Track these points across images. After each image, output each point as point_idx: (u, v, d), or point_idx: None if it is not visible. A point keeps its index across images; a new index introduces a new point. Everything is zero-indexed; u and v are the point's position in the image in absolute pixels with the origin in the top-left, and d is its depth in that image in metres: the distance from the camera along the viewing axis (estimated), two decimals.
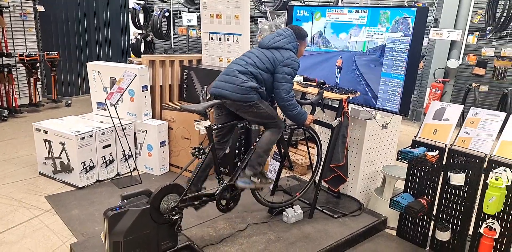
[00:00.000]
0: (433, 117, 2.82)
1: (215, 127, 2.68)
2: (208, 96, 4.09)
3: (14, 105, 5.99)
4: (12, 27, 6.20)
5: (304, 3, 6.35)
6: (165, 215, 2.32)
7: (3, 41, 5.85)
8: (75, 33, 7.37)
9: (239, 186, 2.71)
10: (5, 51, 5.85)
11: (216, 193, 2.67)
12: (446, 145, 2.68)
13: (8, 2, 5.95)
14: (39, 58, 6.16)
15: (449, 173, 2.61)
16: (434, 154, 2.66)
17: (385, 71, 3.00)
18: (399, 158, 2.75)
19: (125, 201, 2.32)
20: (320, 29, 3.41)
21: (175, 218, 2.33)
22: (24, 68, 6.22)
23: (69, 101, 6.71)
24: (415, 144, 2.82)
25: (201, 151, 2.52)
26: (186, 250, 2.58)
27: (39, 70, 6.42)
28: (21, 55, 5.97)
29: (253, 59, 2.70)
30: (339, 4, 5.94)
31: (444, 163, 2.70)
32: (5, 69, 5.86)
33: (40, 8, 6.46)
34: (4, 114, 5.74)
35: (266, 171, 3.43)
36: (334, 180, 3.23)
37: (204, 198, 2.63)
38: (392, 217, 3.16)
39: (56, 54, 6.38)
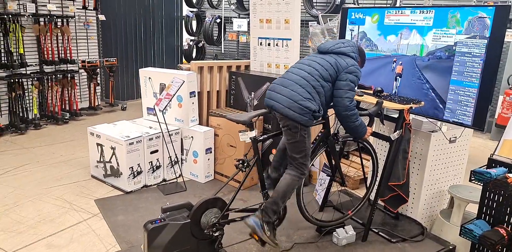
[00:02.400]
0: None
1: (261, 138, 2.41)
2: (255, 103, 3.86)
3: (75, 108, 6.14)
4: (76, 35, 6.39)
5: (358, 5, 5.94)
6: (205, 231, 2.11)
7: (68, 48, 6.02)
8: (133, 40, 7.48)
9: (246, 222, 2.33)
10: (69, 58, 6.02)
11: (260, 208, 2.40)
12: None
13: (74, 13, 6.13)
14: (99, 64, 6.29)
15: None
16: None
17: (455, 79, 2.56)
18: (473, 179, 2.30)
19: (166, 213, 2.14)
20: (378, 32, 3.06)
21: (215, 234, 2.11)
22: (85, 73, 6.38)
23: (125, 105, 6.79)
24: (492, 163, 2.35)
25: (245, 164, 2.27)
26: None
27: (98, 75, 6.57)
28: (83, 61, 6.13)
29: (315, 66, 2.39)
30: (397, 5, 5.43)
31: None
32: (69, 75, 6.02)
33: (102, 17, 6.61)
34: (66, 117, 5.89)
35: (315, 184, 3.09)
36: (393, 200, 2.80)
37: (247, 214, 2.38)
38: (462, 245, 2.66)
39: (114, 61, 6.48)
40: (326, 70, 2.37)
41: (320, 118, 2.59)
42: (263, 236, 2.32)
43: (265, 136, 2.49)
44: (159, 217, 2.11)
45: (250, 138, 2.31)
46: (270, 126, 3.70)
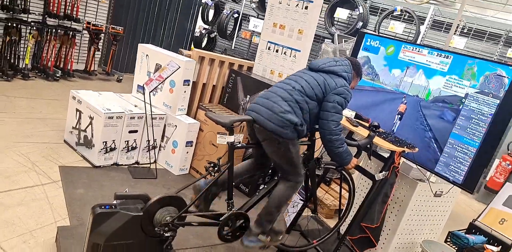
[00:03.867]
0: (503, 203, 2.23)
1: (239, 145, 2.27)
2: (248, 107, 3.73)
3: (69, 68, 5.92)
4: None
5: (379, 34, 5.86)
6: (156, 228, 1.98)
7: (76, 6, 5.79)
8: (145, 14, 7.24)
9: (245, 245, 2.26)
10: (75, 15, 5.79)
11: (221, 219, 2.25)
12: None
13: None
14: (104, 30, 6.08)
15: None
16: (495, 249, 2.08)
17: (456, 132, 2.40)
18: (448, 240, 2.20)
19: (119, 200, 2.00)
20: (383, 62, 2.95)
21: (166, 234, 1.98)
22: (88, 36, 6.15)
23: (121, 77, 6.59)
24: (473, 228, 2.24)
25: (216, 168, 2.14)
26: None
27: (101, 41, 6.34)
28: (88, 23, 5.92)
29: (300, 83, 2.26)
30: (419, 42, 5.37)
31: None
32: (70, 33, 5.80)
33: None
34: (57, 75, 5.69)
35: (289, 203, 2.97)
36: (361, 242, 2.64)
37: (206, 220, 2.25)
38: None
39: (120, 30, 6.28)
40: (311, 88, 2.23)
41: (306, 139, 2.47)
42: (266, 244, 2.28)
43: (243, 144, 2.36)
44: (111, 203, 1.97)
45: (228, 143, 2.17)
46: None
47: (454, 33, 5.28)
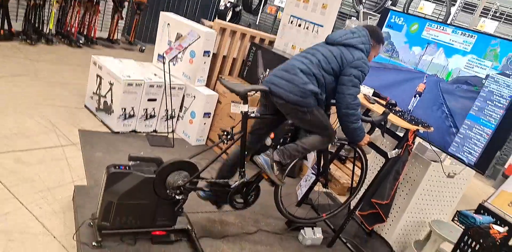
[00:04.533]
0: None
1: (253, 115, 2.27)
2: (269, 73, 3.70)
3: (92, 35, 5.96)
4: None
5: (407, 12, 5.65)
6: (168, 191, 2.03)
7: None
8: None
9: (256, 159, 2.26)
10: None
11: (232, 186, 2.30)
12: None
13: None
14: None
15: None
16: (501, 229, 2.04)
17: (473, 114, 2.38)
18: (456, 219, 2.20)
19: (133, 162, 2.05)
20: (404, 39, 2.86)
21: (178, 197, 2.03)
22: (112, 3, 6.13)
23: (143, 47, 6.60)
24: (482, 209, 2.21)
25: (229, 136, 2.16)
26: (181, 234, 2.26)
27: (125, 9, 6.33)
28: None
29: (317, 57, 2.22)
30: (448, 22, 5.12)
31: (510, 244, 2.07)
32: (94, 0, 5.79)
33: None
34: (81, 41, 5.73)
35: (302, 177, 2.99)
36: (370, 217, 2.67)
37: (217, 187, 2.29)
38: None
39: None
40: (328, 62, 2.20)
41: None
42: (271, 175, 2.26)
43: (258, 114, 2.35)
44: (126, 164, 2.02)
45: (241, 112, 2.18)
46: None
47: (485, 16, 5.06)
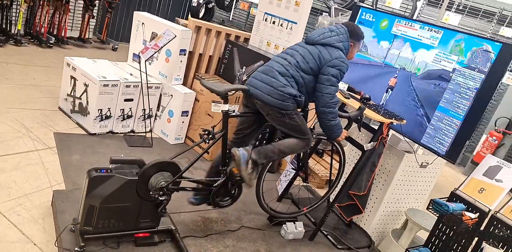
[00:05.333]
0: (483, 173, 2.28)
1: (233, 113, 2.27)
2: (244, 78, 3.70)
3: (63, 35, 5.77)
4: None
5: (376, 8, 5.75)
6: (151, 192, 2.01)
7: None
8: None
9: (235, 151, 2.20)
10: None
11: (214, 185, 2.29)
12: (490, 210, 2.17)
13: None
14: None
15: (483, 243, 2.11)
16: (473, 215, 2.15)
17: (442, 106, 2.45)
18: (430, 207, 2.28)
19: (114, 165, 2.01)
20: (372, 34, 2.91)
21: (161, 199, 2.01)
22: (82, 2, 5.96)
23: (116, 46, 6.45)
24: (454, 197, 2.31)
25: (210, 135, 2.15)
26: (165, 235, 2.24)
27: (96, 8, 6.16)
28: None
29: (296, 57, 2.25)
30: (415, 18, 5.27)
31: (482, 229, 2.18)
32: None
33: None
34: (51, 42, 5.55)
35: (281, 172, 2.99)
36: (348, 208, 2.73)
37: (199, 186, 2.28)
38: None
39: None
40: (306, 62, 2.22)
41: (299, 110, 2.48)
42: (244, 172, 2.20)
43: (238, 113, 2.34)
44: (107, 167, 1.98)
45: (222, 111, 2.17)
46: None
47: (449, 10, 5.21)
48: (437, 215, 2.29)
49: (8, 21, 5.19)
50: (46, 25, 5.57)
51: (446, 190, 2.47)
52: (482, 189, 2.23)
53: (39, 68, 4.69)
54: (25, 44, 5.36)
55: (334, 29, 2.31)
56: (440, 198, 2.31)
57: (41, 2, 5.44)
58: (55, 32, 5.73)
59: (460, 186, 2.33)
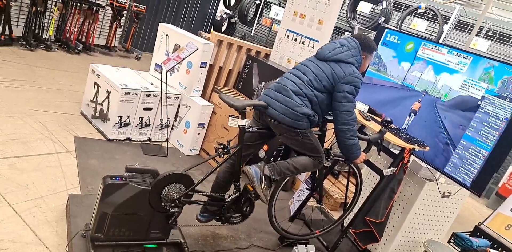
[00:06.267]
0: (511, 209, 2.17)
1: (250, 129, 2.26)
2: (262, 92, 3.71)
3: (90, 42, 5.94)
4: None
5: (400, 30, 5.72)
6: (163, 203, 2.01)
7: None
8: None
9: (247, 169, 2.20)
10: None
11: (226, 200, 2.27)
12: None
13: None
14: (127, 7, 6.08)
15: None
16: None
17: (469, 134, 2.33)
18: (452, 241, 2.16)
19: (129, 173, 2.03)
20: (393, 53, 2.88)
21: (172, 210, 2.01)
22: (111, 12, 6.15)
23: (140, 55, 6.60)
24: (478, 231, 2.18)
25: (225, 150, 2.15)
26: (174, 247, 2.23)
27: (123, 18, 6.35)
28: None
29: (308, 76, 2.22)
30: (441, 41, 5.13)
31: None
32: (94, 8, 5.81)
33: None
34: (79, 48, 5.72)
35: (295, 191, 2.93)
36: (364, 235, 2.59)
37: (211, 201, 2.26)
38: None
39: (143, 9, 6.25)
40: (319, 81, 2.19)
41: (317, 129, 2.46)
42: (258, 188, 2.18)
43: (255, 128, 2.32)
44: (122, 175, 2.00)
45: (239, 126, 2.18)
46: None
47: (478, 35, 5.13)
48: (459, 250, 2.17)
49: (41, 27, 5.38)
50: (75, 32, 5.75)
51: (467, 222, 2.34)
52: (509, 226, 2.10)
53: (66, 73, 4.82)
54: (55, 49, 5.54)
55: (345, 44, 2.26)
56: (463, 232, 2.19)
57: (73, 10, 5.64)
58: (83, 39, 5.90)
59: (485, 220, 2.21)
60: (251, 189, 2.24)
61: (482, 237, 2.16)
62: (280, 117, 2.16)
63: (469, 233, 2.21)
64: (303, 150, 2.29)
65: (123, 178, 1.97)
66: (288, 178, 2.50)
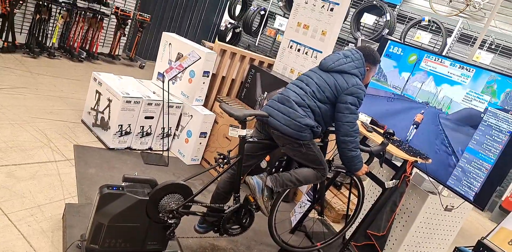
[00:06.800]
0: None
1: (250, 139, 2.24)
2: (265, 103, 3.69)
3: (94, 50, 5.97)
4: None
5: (404, 42, 5.73)
6: (160, 214, 1.97)
7: None
8: (172, 4, 7.27)
9: (249, 180, 2.20)
10: (104, 0, 5.83)
11: (226, 211, 2.24)
12: None
13: None
14: (131, 16, 6.13)
15: None
16: None
17: (471, 147, 2.31)
18: None
19: (127, 183, 1.99)
20: (393, 63, 2.87)
21: (170, 221, 1.97)
22: (115, 20, 6.21)
23: (143, 64, 6.62)
24: (481, 246, 2.13)
25: (225, 160, 2.12)
26: None
27: (128, 27, 6.39)
28: (117, 8, 5.98)
29: (311, 87, 2.21)
30: (444, 54, 5.15)
31: None
32: (99, 16, 5.86)
33: None
34: (82, 56, 5.75)
35: (296, 202, 2.90)
36: (365, 249, 2.55)
37: (210, 212, 2.23)
38: None
39: (148, 18, 6.30)
40: (322, 92, 2.18)
41: (319, 140, 2.43)
42: (259, 200, 2.18)
43: (255, 139, 2.31)
44: (120, 184, 1.97)
45: (239, 136, 2.15)
46: None
47: (481, 48, 5.12)
48: None
49: (44, 34, 5.41)
50: (79, 40, 5.79)
51: (470, 236, 2.29)
52: None
53: (68, 81, 4.83)
54: (58, 57, 5.57)
55: (349, 55, 2.26)
56: (465, 246, 2.15)
57: (77, 18, 5.68)
58: (87, 47, 5.94)
59: (488, 235, 2.16)
60: (252, 200, 2.22)
61: None
62: (282, 128, 2.15)
63: (472, 248, 2.16)
64: (306, 161, 2.26)
65: (120, 188, 1.94)
66: (289, 189, 2.46)
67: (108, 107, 3.49)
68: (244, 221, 2.31)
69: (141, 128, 3.56)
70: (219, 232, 2.32)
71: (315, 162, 2.26)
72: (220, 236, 2.35)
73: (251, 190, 2.19)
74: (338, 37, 5.05)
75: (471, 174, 2.29)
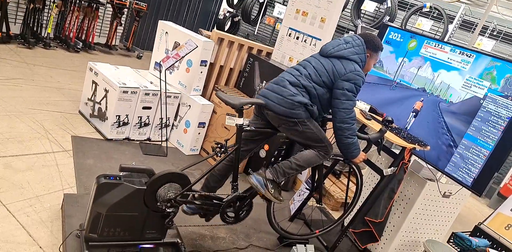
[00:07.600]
0: None
1: (248, 128, 2.24)
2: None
3: (90, 40, 5.93)
4: None
5: (405, 29, 5.66)
6: (158, 203, 1.99)
7: None
8: None
9: (249, 180, 2.21)
10: None
11: (224, 200, 2.25)
12: None
13: None
14: (127, 5, 6.07)
15: None
16: None
17: (470, 134, 2.31)
18: (451, 241, 2.16)
19: (124, 172, 2.01)
20: (389, 48, 2.85)
21: (168, 210, 1.99)
22: (111, 9, 6.15)
23: (141, 54, 6.59)
24: (478, 232, 2.19)
25: (222, 149, 2.13)
26: (170, 247, 2.20)
27: (124, 16, 6.33)
28: None
29: (308, 70, 2.21)
30: (446, 40, 5.09)
31: None
32: (94, 5, 5.79)
33: None
34: (78, 46, 5.72)
35: (295, 191, 2.93)
36: (363, 235, 2.59)
37: (208, 201, 2.24)
38: None
39: (144, 6, 6.25)
40: (318, 75, 2.17)
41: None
42: (267, 194, 2.19)
43: (252, 127, 2.31)
44: (117, 174, 1.98)
45: (236, 124, 2.15)
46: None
47: (482, 35, 5.09)
48: (459, 249, 2.16)
49: (39, 25, 5.37)
50: (75, 30, 5.75)
51: (468, 222, 2.33)
52: (509, 226, 2.09)
53: (64, 72, 4.82)
54: (54, 47, 5.54)
55: (349, 41, 2.24)
56: (463, 232, 2.18)
57: (72, 7, 5.63)
58: (83, 38, 5.90)
59: (485, 220, 2.20)
60: (261, 195, 2.25)
61: (482, 237, 2.16)
62: (275, 107, 2.15)
63: (469, 233, 2.19)
64: (305, 140, 2.25)
65: (118, 178, 1.95)
66: (293, 176, 2.47)
67: (105, 98, 3.49)
68: (240, 213, 2.33)
69: (139, 118, 3.56)
70: (204, 217, 2.34)
71: (315, 139, 2.23)
72: (206, 221, 2.37)
73: (255, 188, 2.22)
74: (338, 25, 5.02)
75: (469, 160, 2.30)
